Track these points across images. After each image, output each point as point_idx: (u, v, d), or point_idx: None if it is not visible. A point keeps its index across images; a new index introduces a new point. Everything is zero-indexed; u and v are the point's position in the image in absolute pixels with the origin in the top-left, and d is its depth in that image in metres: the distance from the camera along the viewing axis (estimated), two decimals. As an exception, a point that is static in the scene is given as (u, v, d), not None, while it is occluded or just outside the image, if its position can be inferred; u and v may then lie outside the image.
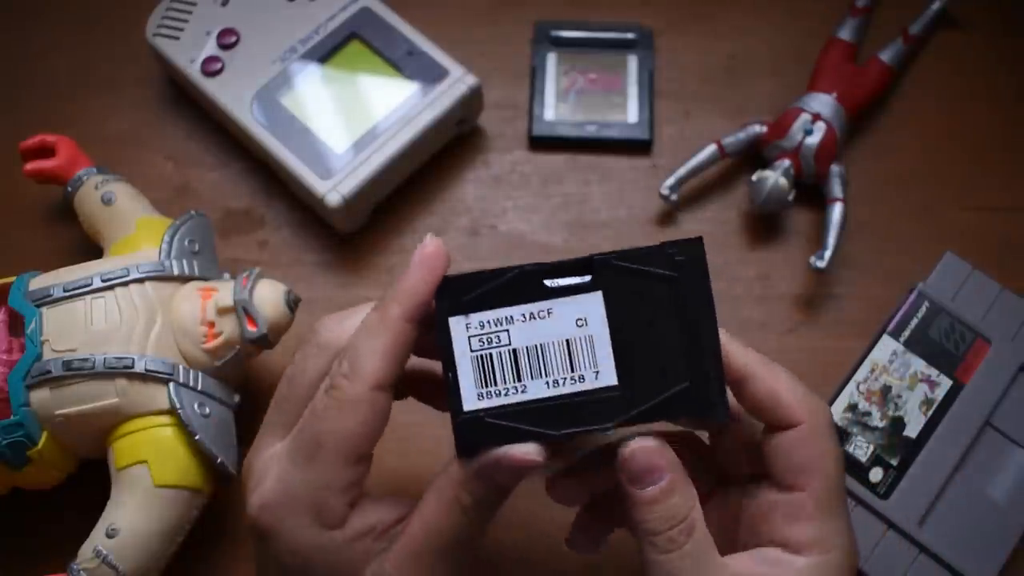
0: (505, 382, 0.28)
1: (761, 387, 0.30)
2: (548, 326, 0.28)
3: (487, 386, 0.28)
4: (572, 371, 0.28)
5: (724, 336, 0.29)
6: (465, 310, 0.29)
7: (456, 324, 0.29)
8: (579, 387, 0.28)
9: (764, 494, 0.31)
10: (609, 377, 0.28)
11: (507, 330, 0.28)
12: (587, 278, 0.28)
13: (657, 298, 0.28)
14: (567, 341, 0.28)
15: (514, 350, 0.28)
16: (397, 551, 0.30)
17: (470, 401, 0.28)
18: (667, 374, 0.28)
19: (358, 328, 0.30)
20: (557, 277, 0.29)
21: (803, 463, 0.30)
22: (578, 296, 0.28)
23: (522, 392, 0.28)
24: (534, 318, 0.28)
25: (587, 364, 0.28)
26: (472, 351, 0.28)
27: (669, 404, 0.28)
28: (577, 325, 0.28)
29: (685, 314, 0.28)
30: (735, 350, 0.30)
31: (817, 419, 0.30)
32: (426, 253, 0.29)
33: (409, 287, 0.29)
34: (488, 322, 0.28)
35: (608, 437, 0.30)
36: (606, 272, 0.28)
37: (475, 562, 0.31)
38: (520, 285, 0.29)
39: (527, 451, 0.28)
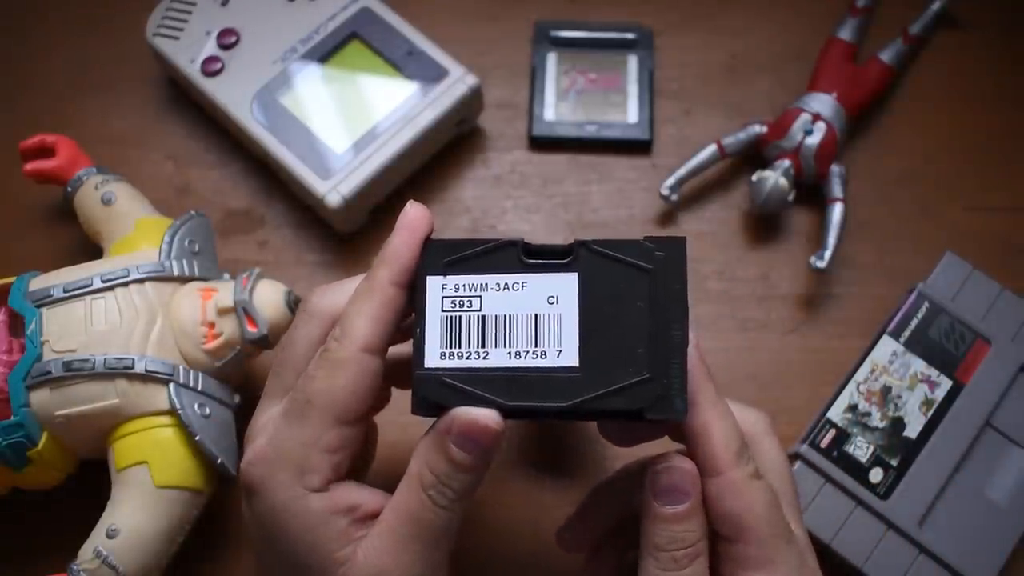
0: (469, 346, 0.29)
1: (697, 420, 0.29)
2: (520, 299, 0.29)
3: (451, 347, 0.29)
4: (535, 346, 0.28)
5: (693, 350, 0.29)
6: (443, 271, 0.29)
7: (433, 283, 0.29)
8: (540, 363, 0.28)
9: (716, 542, 0.30)
10: (571, 358, 0.28)
11: (480, 296, 0.29)
12: (565, 259, 0.29)
13: (631, 289, 0.28)
14: (535, 316, 0.29)
15: (483, 316, 0.29)
16: (371, 536, 0.30)
17: (432, 359, 0.29)
18: (630, 364, 0.28)
19: (351, 295, 0.31)
20: (537, 253, 0.29)
21: (731, 514, 0.29)
22: (554, 274, 0.29)
23: (483, 359, 0.29)
24: (508, 289, 0.29)
25: (551, 341, 0.28)
26: (443, 311, 0.29)
27: (627, 393, 0.28)
28: (548, 302, 0.29)
29: (657, 308, 0.28)
30: (693, 369, 0.29)
31: (740, 471, 0.29)
32: (408, 218, 0.30)
33: (393, 251, 0.30)
34: (463, 286, 0.29)
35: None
36: (584, 256, 0.29)
37: (454, 557, 0.31)
38: (500, 255, 0.29)
39: (481, 414, 0.28)
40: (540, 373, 0.28)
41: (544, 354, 0.28)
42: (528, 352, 0.28)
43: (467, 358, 0.29)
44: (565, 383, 0.28)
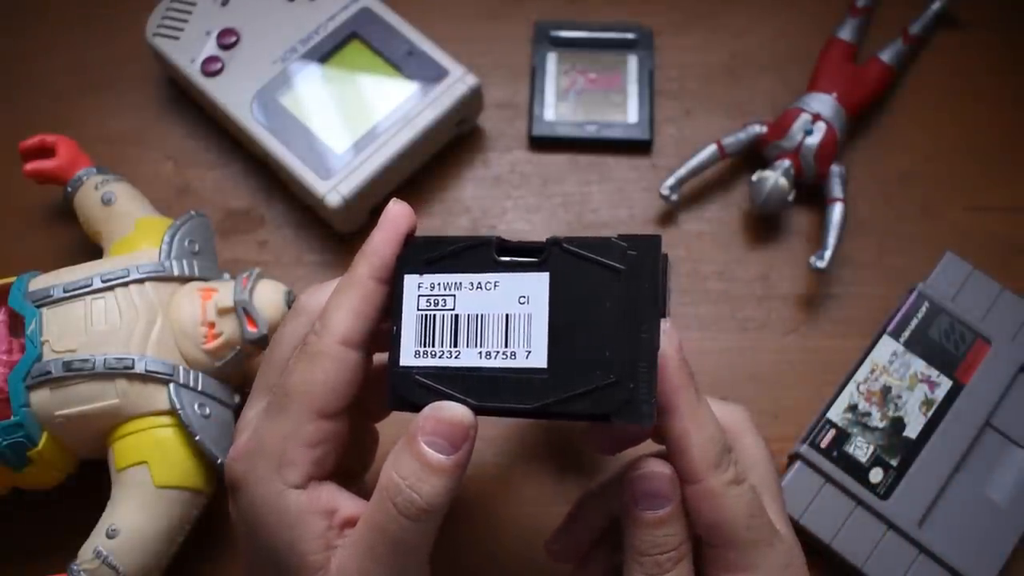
0: (442, 345, 0.29)
1: (676, 426, 0.29)
2: (492, 298, 0.29)
3: (425, 345, 0.29)
4: (506, 346, 0.28)
5: (674, 352, 0.29)
6: (420, 269, 0.30)
7: (410, 281, 0.30)
8: (509, 363, 0.28)
9: (700, 544, 0.30)
10: (539, 359, 0.28)
11: (454, 295, 0.29)
12: (537, 258, 0.29)
13: (602, 289, 0.28)
14: (506, 316, 0.28)
15: (456, 316, 0.29)
16: (343, 545, 0.29)
17: (407, 357, 0.29)
18: (597, 366, 0.27)
19: (332, 290, 0.31)
20: (510, 252, 0.29)
21: (710, 522, 0.29)
22: (526, 274, 0.29)
23: (455, 358, 0.29)
24: (480, 288, 0.29)
25: (521, 342, 0.28)
26: (419, 310, 0.29)
27: (593, 396, 0.27)
28: (519, 302, 0.28)
29: (627, 309, 0.27)
30: (673, 372, 0.29)
31: (718, 478, 0.29)
32: (390, 214, 0.30)
33: (373, 247, 0.30)
34: (438, 285, 0.29)
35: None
36: (556, 255, 0.28)
37: (432, 562, 0.30)
38: (474, 254, 0.29)
39: (452, 409, 0.28)
40: (509, 374, 0.28)
41: (514, 355, 0.28)
42: (498, 352, 0.28)
43: (439, 357, 0.29)
44: (532, 384, 0.28)
